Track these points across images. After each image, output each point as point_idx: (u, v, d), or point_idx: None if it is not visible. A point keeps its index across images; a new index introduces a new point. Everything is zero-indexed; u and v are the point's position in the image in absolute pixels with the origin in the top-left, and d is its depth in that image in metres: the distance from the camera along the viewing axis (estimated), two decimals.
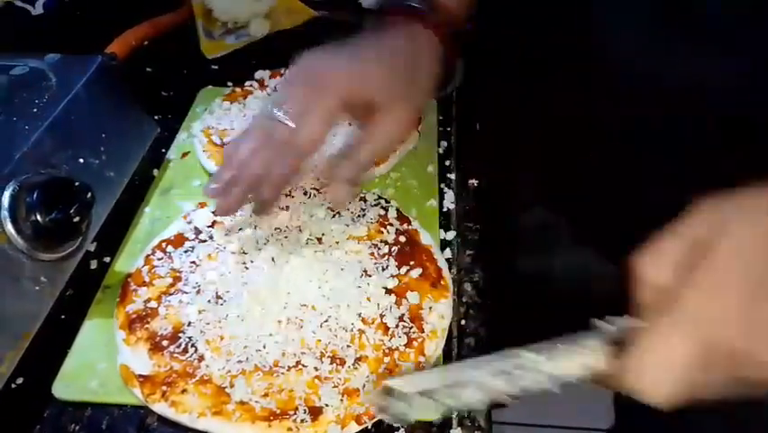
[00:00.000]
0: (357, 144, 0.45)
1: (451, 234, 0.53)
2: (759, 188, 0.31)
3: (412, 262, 0.48)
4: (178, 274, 0.48)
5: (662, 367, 0.31)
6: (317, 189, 0.54)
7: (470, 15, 0.54)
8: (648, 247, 0.33)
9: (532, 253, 0.69)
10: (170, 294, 0.46)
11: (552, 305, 0.74)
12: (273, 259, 0.48)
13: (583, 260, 0.63)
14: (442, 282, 0.48)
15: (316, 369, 0.42)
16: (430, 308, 0.46)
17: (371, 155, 0.46)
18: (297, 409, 0.40)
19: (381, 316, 0.45)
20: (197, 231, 0.51)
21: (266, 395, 0.40)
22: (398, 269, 0.48)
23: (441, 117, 0.64)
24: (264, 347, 0.43)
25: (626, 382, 0.31)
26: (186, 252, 0.49)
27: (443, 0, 0.50)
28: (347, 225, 0.51)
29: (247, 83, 0.67)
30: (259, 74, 0.68)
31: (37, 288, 0.42)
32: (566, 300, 0.70)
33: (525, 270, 0.70)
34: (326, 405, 0.40)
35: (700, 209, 0.32)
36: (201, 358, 0.42)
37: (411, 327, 0.44)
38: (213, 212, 0.50)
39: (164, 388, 0.41)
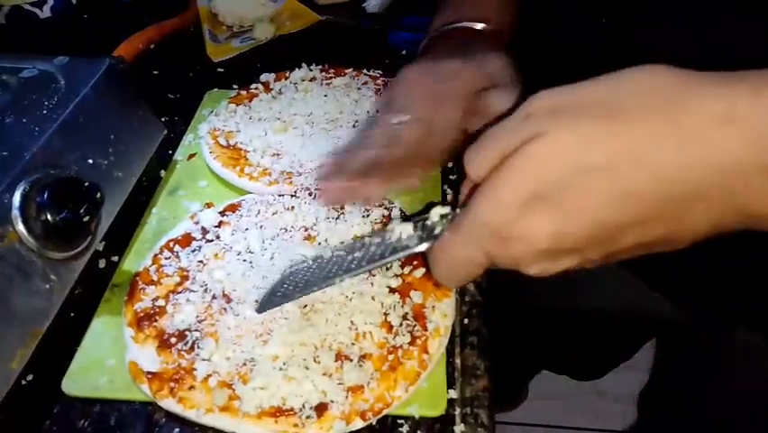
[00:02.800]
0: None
1: None
2: (603, 85, 0.31)
3: (415, 262, 0.49)
4: (185, 273, 0.48)
5: (448, 263, 0.37)
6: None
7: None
8: (476, 142, 0.34)
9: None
10: (178, 292, 0.47)
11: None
12: (278, 259, 0.49)
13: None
14: None
15: (322, 366, 0.42)
16: (433, 306, 0.46)
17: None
18: (302, 405, 0.40)
19: (385, 314, 0.45)
20: (204, 231, 0.51)
21: (272, 392, 0.41)
22: (402, 268, 0.48)
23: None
24: (270, 345, 0.43)
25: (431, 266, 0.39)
26: (193, 251, 0.50)
27: (497, 19, 0.52)
28: (352, 226, 0.51)
29: (252, 86, 0.68)
30: (264, 77, 0.68)
31: (47, 286, 0.43)
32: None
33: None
34: (331, 402, 0.41)
35: (533, 104, 0.32)
36: (208, 355, 0.43)
37: (415, 326, 0.45)
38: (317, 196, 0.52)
39: (172, 384, 0.42)
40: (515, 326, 0.79)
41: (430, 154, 0.46)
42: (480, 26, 0.51)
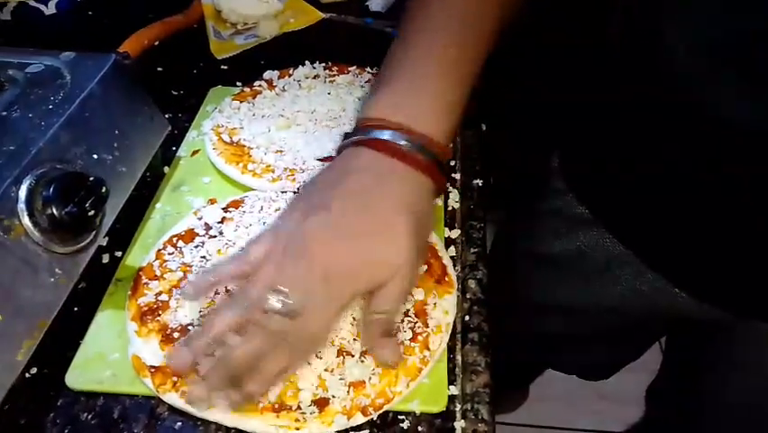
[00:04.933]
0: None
1: (455, 233, 0.54)
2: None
3: None
4: (188, 268, 0.49)
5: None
6: None
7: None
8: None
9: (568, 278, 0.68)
10: (181, 288, 0.47)
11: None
12: None
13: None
14: (446, 279, 0.49)
15: (323, 361, 0.42)
16: (435, 303, 0.47)
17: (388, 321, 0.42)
18: (304, 400, 0.41)
19: None
20: (208, 227, 0.52)
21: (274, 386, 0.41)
22: None
23: None
24: None
25: None
26: (196, 247, 0.50)
27: (436, 140, 0.44)
28: None
29: (256, 83, 0.68)
30: (267, 74, 0.69)
31: (52, 279, 0.43)
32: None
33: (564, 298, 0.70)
34: (333, 396, 0.41)
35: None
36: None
37: (416, 322, 0.45)
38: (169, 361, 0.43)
39: (174, 378, 0.42)
40: (520, 324, 0.79)
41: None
42: (421, 156, 0.43)
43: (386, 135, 0.43)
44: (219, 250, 0.50)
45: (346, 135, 0.47)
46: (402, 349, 0.43)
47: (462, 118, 0.48)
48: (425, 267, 0.48)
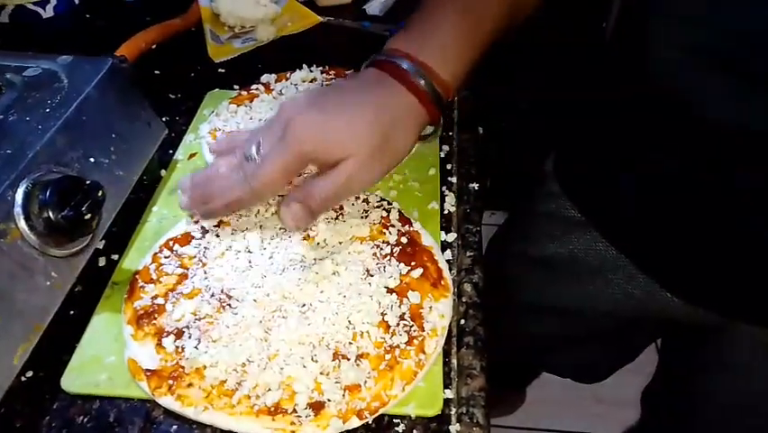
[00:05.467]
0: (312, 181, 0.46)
1: (451, 236, 0.54)
2: None
3: (413, 263, 0.49)
4: (184, 272, 0.49)
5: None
6: None
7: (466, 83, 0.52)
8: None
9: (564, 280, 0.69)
10: (177, 291, 0.47)
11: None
12: (278, 258, 0.49)
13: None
14: (442, 282, 0.49)
15: (319, 365, 0.43)
16: (430, 307, 0.47)
17: (322, 200, 0.46)
18: (299, 403, 0.41)
19: (383, 314, 0.46)
20: (204, 230, 0.52)
21: (269, 390, 0.42)
22: (400, 269, 0.49)
23: (442, 122, 0.65)
24: (268, 343, 0.44)
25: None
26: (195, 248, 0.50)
27: (437, 72, 0.48)
28: (351, 227, 0.52)
29: (253, 86, 0.68)
30: (264, 78, 0.69)
31: (48, 283, 0.43)
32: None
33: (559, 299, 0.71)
34: (328, 400, 0.41)
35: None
36: (206, 353, 0.43)
37: (412, 326, 0.45)
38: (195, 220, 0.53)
39: (170, 382, 0.42)
40: (516, 326, 0.79)
41: None
42: (417, 79, 0.47)
43: (390, 57, 0.48)
44: (223, 253, 0.50)
45: None
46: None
47: (472, 70, 0.51)
48: (421, 270, 0.49)
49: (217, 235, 0.51)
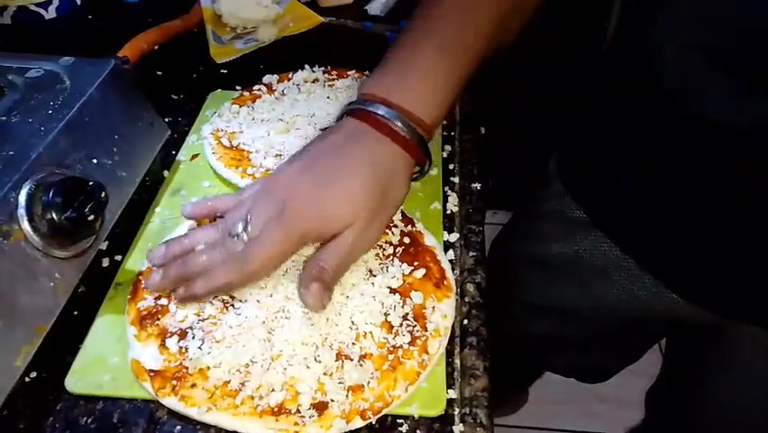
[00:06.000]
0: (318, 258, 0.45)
1: (454, 237, 0.54)
2: None
3: (416, 263, 0.49)
4: None
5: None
6: None
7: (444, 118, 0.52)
8: None
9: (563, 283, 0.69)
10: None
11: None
12: None
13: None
14: (445, 283, 0.49)
15: (322, 365, 0.43)
16: (433, 307, 0.47)
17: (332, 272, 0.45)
18: (303, 404, 0.41)
19: (386, 315, 0.46)
20: None
21: (272, 390, 0.42)
22: (403, 269, 0.49)
23: (444, 122, 0.65)
24: (271, 343, 0.44)
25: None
26: None
27: (414, 113, 0.47)
28: None
29: (255, 87, 0.68)
30: (266, 78, 0.69)
31: (51, 284, 0.43)
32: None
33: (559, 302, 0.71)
34: (332, 400, 0.41)
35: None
36: (209, 354, 0.43)
37: (415, 326, 0.45)
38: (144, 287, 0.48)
39: (174, 382, 0.42)
40: (518, 325, 0.79)
41: None
42: (399, 127, 0.46)
43: (367, 106, 0.47)
44: None
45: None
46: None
47: (453, 103, 0.50)
48: (424, 270, 0.49)
49: None
